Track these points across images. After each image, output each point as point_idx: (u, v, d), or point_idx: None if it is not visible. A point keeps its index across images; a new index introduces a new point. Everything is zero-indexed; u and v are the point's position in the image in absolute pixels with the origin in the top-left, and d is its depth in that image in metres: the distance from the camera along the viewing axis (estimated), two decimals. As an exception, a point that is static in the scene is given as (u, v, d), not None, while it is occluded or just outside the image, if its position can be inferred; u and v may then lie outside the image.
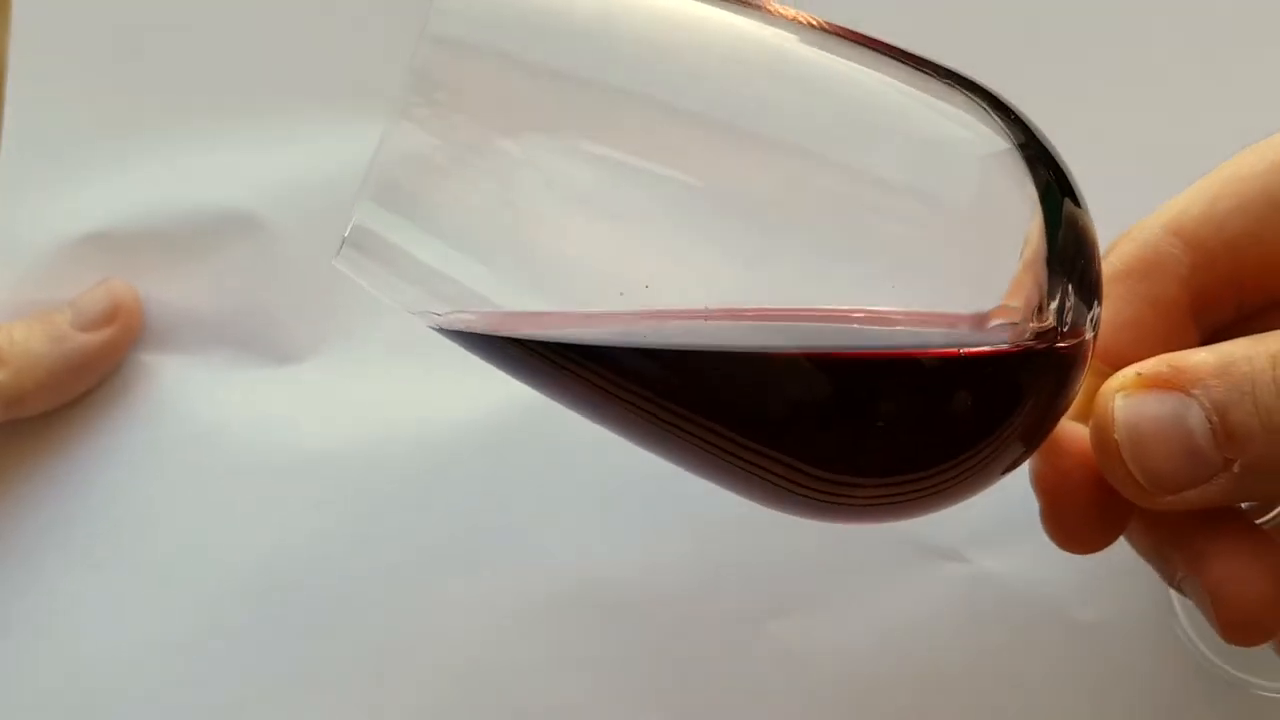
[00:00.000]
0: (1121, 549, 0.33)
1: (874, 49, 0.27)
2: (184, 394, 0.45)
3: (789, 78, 0.27)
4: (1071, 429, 0.31)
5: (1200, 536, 0.30)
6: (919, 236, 0.27)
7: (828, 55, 0.27)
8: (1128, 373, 0.29)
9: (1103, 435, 0.29)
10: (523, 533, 0.43)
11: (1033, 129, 0.28)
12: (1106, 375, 0.30)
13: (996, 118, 0.27)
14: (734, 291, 0.27)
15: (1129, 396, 0.29)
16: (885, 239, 0.27)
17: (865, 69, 0.27)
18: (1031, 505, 0.33)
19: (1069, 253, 0.27)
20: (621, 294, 0.26)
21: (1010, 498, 0.33)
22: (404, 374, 0.45)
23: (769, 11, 0.27)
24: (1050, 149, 0.28)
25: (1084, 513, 0.31)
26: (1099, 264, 0.29)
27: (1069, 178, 0.28)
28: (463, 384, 0.44)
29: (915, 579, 0.41)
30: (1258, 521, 0.33)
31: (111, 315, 0.44)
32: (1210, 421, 0.28)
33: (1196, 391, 0.28)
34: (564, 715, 0.42)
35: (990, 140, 0.27)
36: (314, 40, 0.46)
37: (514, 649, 0.43)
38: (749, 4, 0.27)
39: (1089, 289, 0.28)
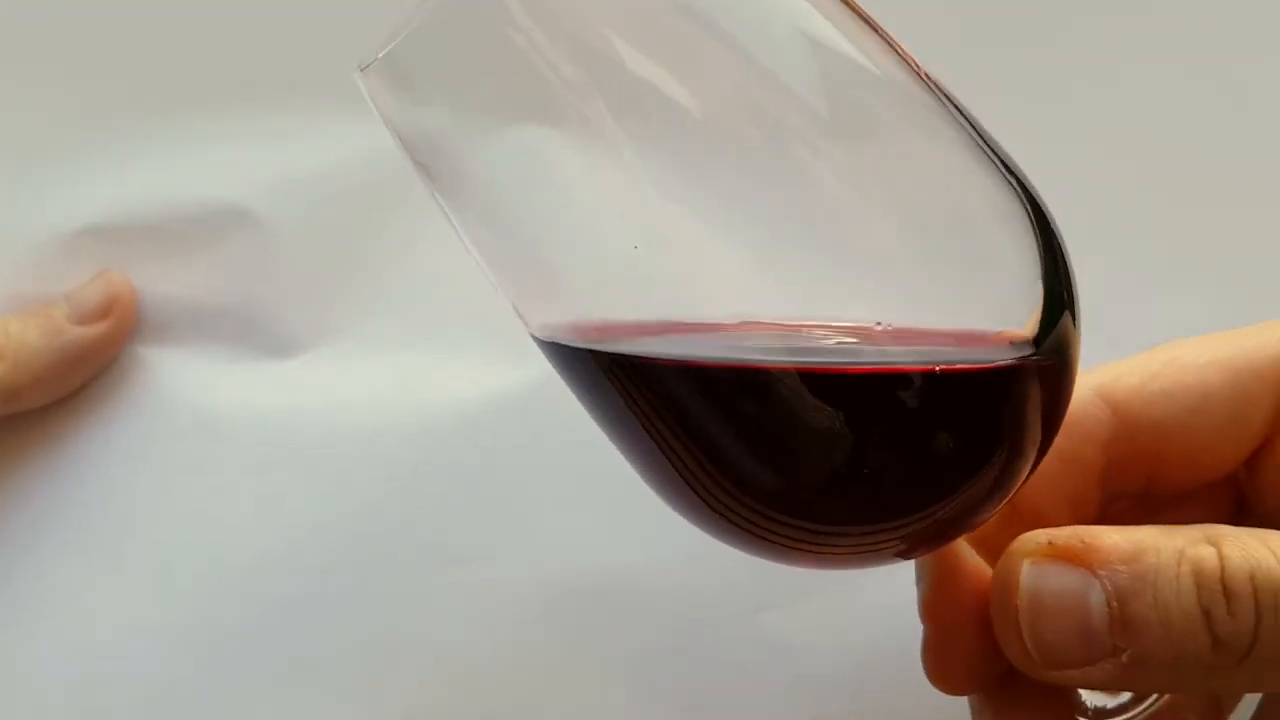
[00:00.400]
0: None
1: (957, 113, 0.27)
2: (180, 387, 0.45)
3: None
4: (973, 564, 0.31)
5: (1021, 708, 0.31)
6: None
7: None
8: (1039, 538, 0.29)
9: (1004, 596, 0.29)
10: (520, 527, 0.43)
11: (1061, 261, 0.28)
12: (1011, 520, 0.30)
13: (1035, 236, 0.27)
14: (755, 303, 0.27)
15: (1037, 564, 0.29)
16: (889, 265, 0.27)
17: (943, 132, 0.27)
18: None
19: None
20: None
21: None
22: (400, 368, 0.45)
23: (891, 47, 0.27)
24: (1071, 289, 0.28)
25: (967, 654, 0.31)
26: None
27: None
28: (460, 379, 0.44)
29: (906, 569, 0.41)
30: (1127, 715, 0.33)
31: (108, 308, 0.44)
32: (1110, 606, 0.28)
33: (1102, 573, 0.28)
34: (561, 708, 0.43)
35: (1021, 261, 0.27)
36: (311, 34, 0.46)
37: (511, 642, 0.43)
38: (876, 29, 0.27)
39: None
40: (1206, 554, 0.28)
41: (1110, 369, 0.33)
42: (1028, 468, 0.28)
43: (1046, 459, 0.29)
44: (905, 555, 0.30)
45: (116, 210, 0.45)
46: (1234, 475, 0.34)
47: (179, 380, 0.45)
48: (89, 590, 0.44)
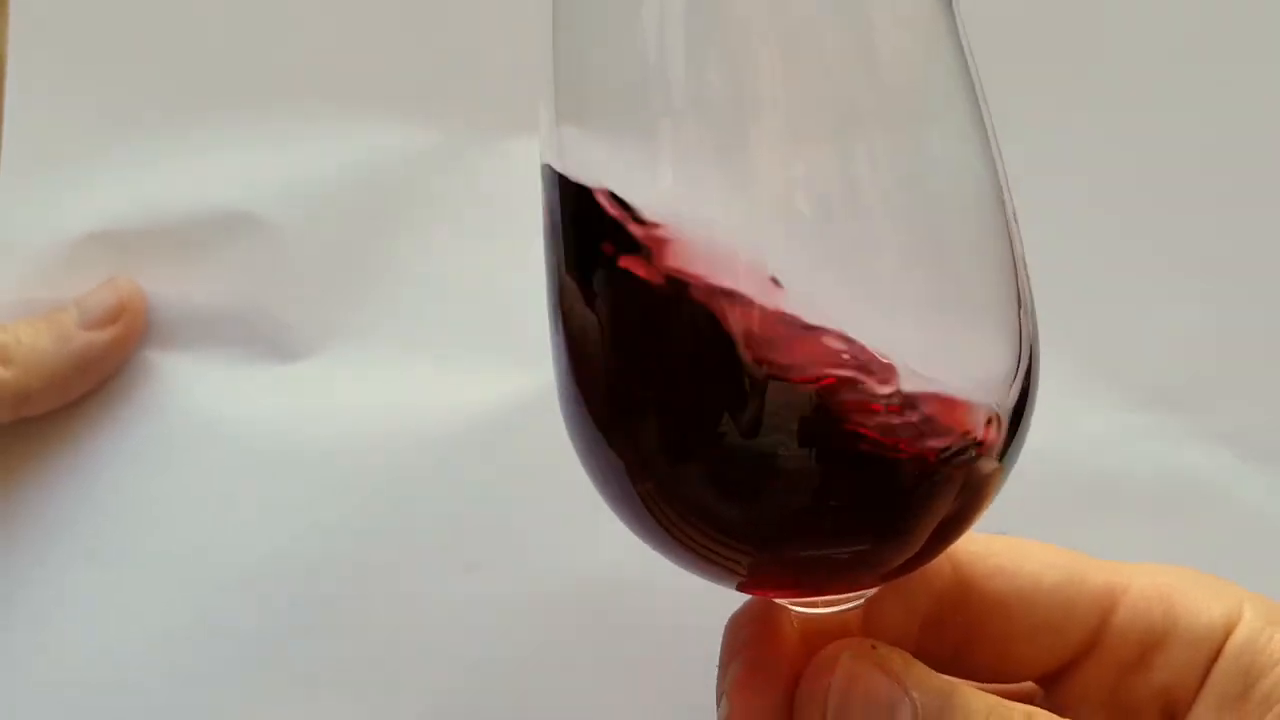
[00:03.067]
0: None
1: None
2: (188, 391, 0.45)
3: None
4: (791, 655, 0.31)
5: None
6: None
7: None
8: (865, 643, 0.29)
9: (816, 679, 0.29)
10: (523, 533, 0.44)
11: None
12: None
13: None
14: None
15: (857, 659, 0.29)
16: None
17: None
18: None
19: None
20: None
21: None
22: (406, 374, 0.45)
23: None
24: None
25: None
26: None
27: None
28: (465, 382, 0.45)
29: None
30: None
31: (117, 313, 0.45)
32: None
33: (915, 694, 0.28)
34: (561, 711, 0.43)
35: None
36: (318, 40, 0.46)
37: (515, 646, 0.43)
38: None
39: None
40: (1016, 713, 0.28)
41: (981, 536, 0.33)
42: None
43: (882, 591, 0.30)
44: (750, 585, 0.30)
45: (125, 216, 0.46)
46: (1027, 690, 0.34)
47: (187, 385, 0.45)
48: (99, 593, 0.44)
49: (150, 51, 0.46)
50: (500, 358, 0.45)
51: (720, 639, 0.43)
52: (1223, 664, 0.31)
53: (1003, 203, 0.28)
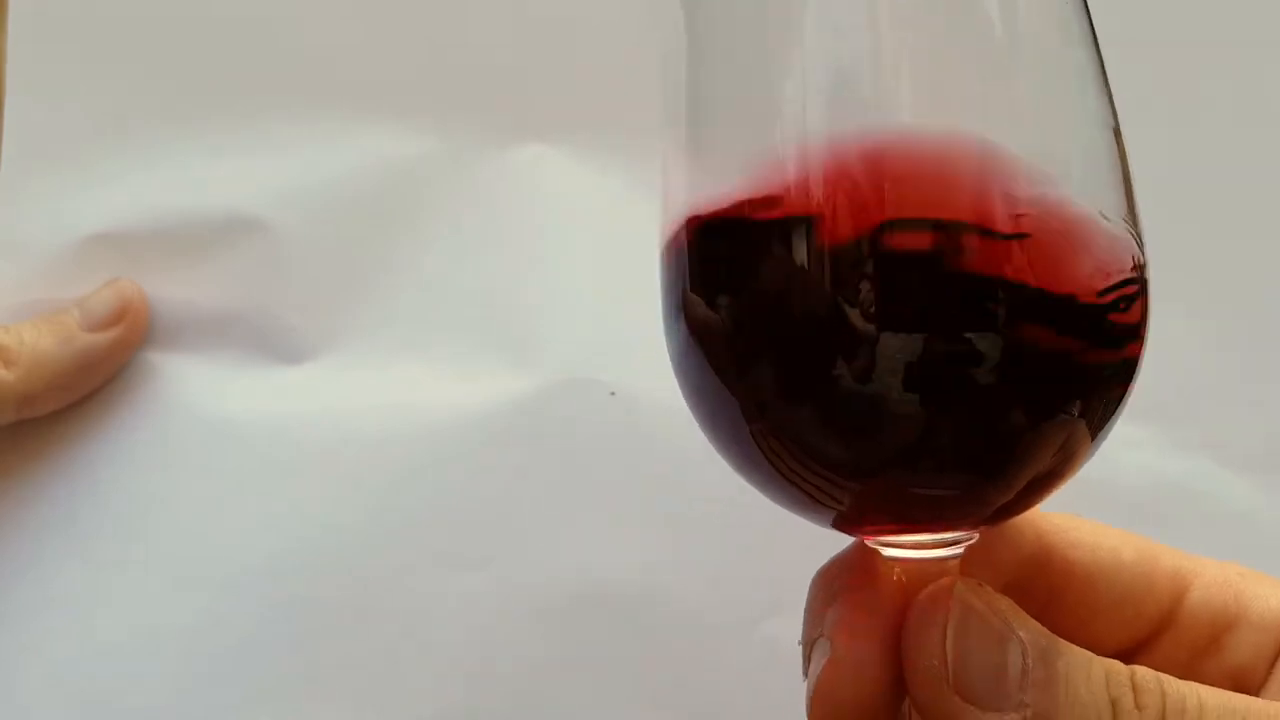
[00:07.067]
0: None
1: None
2: (191, 393, 0.46)
3: None
4: (890, 594, 0.31)
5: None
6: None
7: None
8: (973, 579, 0.30)
9: (932, 608, 0.29)
10: (526, 532, 0.44)
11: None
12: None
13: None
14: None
15: (971, 590, 0.29)
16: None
17: None
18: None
19: None
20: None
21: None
22: (409, 374, 0.46)
23: None
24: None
25: (866, 690, 0.30)
26: None
27: None
28: (466, 386, 0.45)
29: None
30: None
31: (119, 315, 0.45)
32: (1025, 661, 0.28)
33: (1022, 633, 0.29)
34: (562, 713, 0.43)
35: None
36: (320, 44, 0.46)
37: (516, 647, 0.44)
38: None
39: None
40: (1118, 665, 0.29)
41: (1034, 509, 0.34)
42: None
43: (970, 552, 0.30)
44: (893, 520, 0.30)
45: (127, 218, 0.46)
46: None
47: (189, 386, 0.46)
48: (100, 593, 0.44)
49: (152, 53, 0.46)
50: (500, 359, 0.45)
51: (719, 638, 0.44)
52: None
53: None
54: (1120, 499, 0.44)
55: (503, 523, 0.44)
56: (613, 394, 0.45)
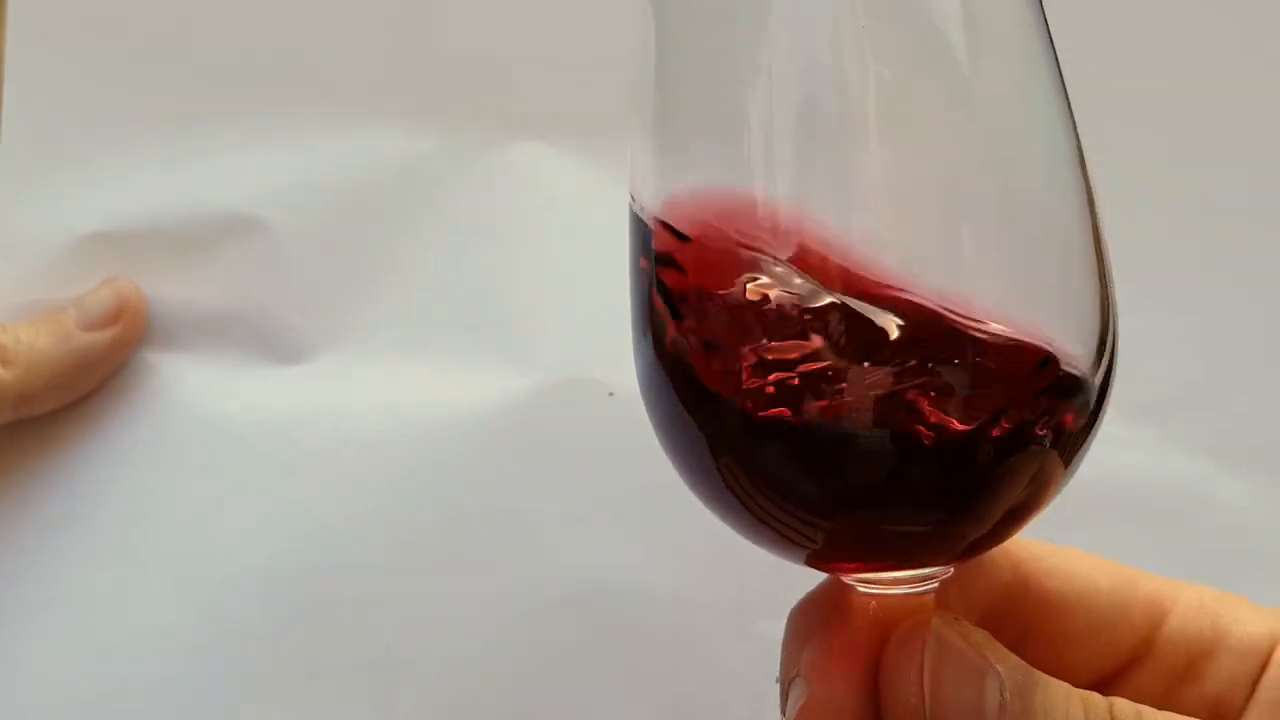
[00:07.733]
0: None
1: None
2: (189, 392, 0.46)
3: None
4: (864, 634, 0.30)
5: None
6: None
7: None
8: (949, 613, 0.30)
9: (909, 643, 0.29)
10: (524, 532, 0.44)
11: None
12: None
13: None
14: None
15: (948, 625, 0.29)
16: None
17: None
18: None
19: None
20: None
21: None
22: (408, 373, 0.46)
23: None
24: None
25: None
26: None
27: None
28: (466, 386, 0.45)
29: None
30: None
31: (117, 314, 0.45)
32: (1003, 697, 0.28)
33: (1000, 668, 0.29)
34: (561, 714, 0.44)
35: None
36: (318, 43, 0.46)
37: (515, 647, 0.44)
38: None
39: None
40: (1096, 697, 0.29)
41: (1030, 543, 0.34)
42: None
43: (945, 585, 0.30)
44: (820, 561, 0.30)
45: (125, 217, 0.46)
46: None
47: (187, 385, 0.46)
48: (99, 593, 0.44)
49: (150, 53, 0.46)
50: (500, 358, 0.45)
51: (718, 638, 0.44)
52: (1271, 674, 0.32)
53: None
54: (1119, 499, 0.45)
55: (502, 522, 0.44)
56: (611, 394, 0.45)
